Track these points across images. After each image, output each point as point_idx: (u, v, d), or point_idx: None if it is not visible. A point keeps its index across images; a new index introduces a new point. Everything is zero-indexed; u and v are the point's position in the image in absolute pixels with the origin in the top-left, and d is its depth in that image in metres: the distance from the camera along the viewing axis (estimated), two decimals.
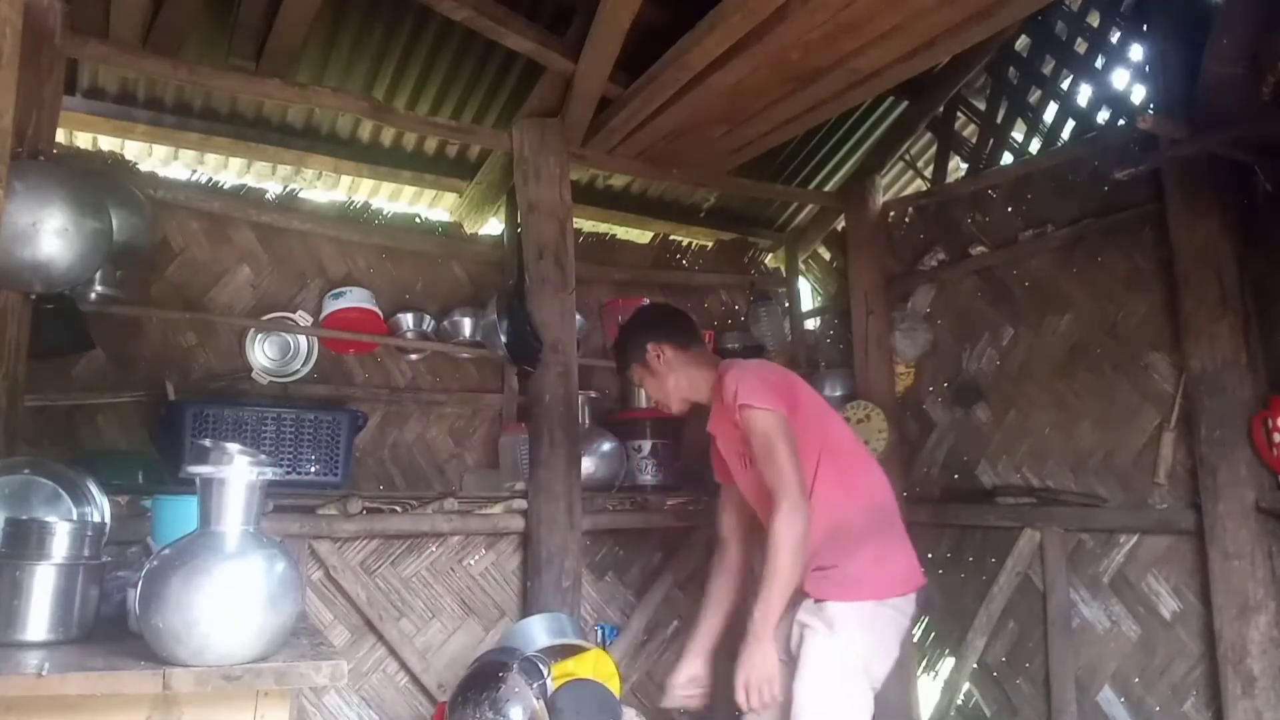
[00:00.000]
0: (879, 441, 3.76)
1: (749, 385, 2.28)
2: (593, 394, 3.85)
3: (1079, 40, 3.62)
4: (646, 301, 3.43)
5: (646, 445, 3.82)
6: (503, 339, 3.34)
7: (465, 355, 3.71)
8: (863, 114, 4.20)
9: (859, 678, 2.18)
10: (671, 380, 2.54)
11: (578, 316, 3.56)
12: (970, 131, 4.08)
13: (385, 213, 3.82)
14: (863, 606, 2.19)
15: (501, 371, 3.75)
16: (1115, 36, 3.49)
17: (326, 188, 4.02)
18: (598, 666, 2.55)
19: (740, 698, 2.16)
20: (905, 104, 4.12)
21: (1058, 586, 3.36)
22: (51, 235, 2.29)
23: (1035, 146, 3.78)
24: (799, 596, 2.23)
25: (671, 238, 4.46)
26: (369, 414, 3.42)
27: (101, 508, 2.10)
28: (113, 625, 1.71)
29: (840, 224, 4.40)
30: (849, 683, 2.17)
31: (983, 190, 3.85)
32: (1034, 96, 3.79)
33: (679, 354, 2.53)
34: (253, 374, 3.33)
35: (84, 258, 2.38)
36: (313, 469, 3.11)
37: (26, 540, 1.63)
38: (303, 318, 3.43)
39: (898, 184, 4.71)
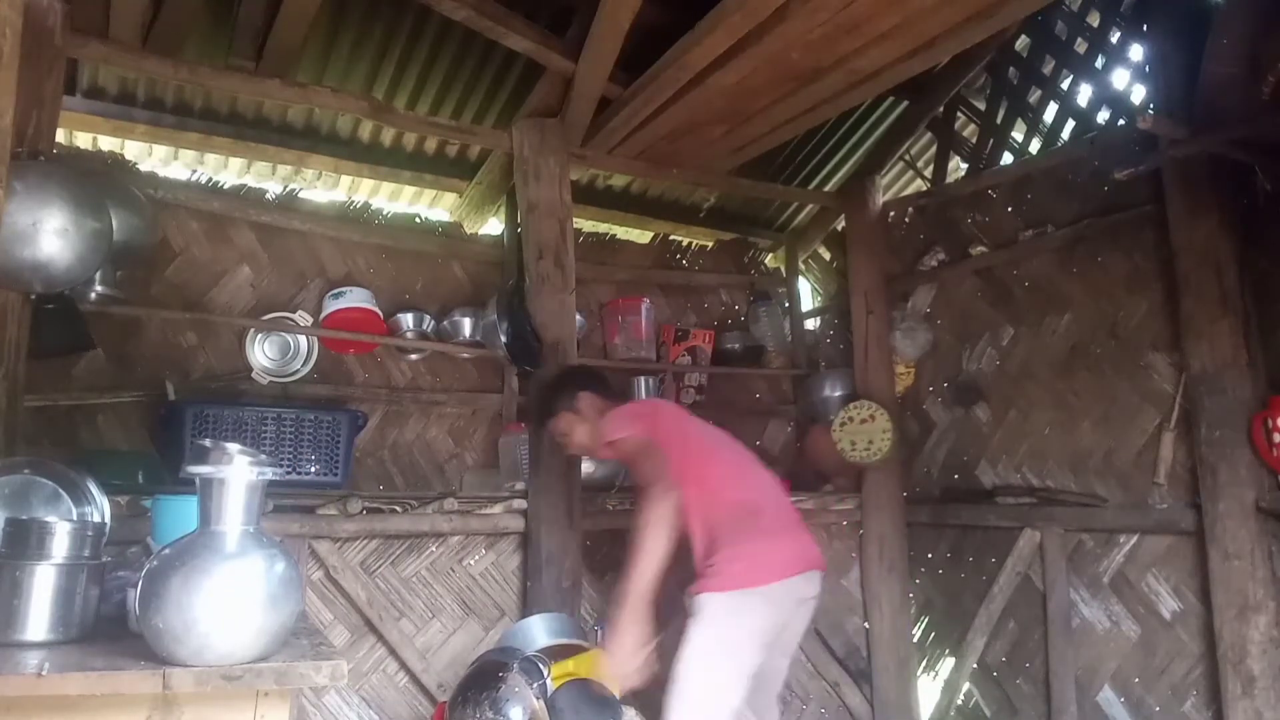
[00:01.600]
0: (883, 441, 3.75)
1: (611, 425, 2.64)
2: None
3: (1079, 40, 3.62)
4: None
5: None
6: (503, 339, 3.34)
7: (465, 355, 3.71)
8: (863, 114, 4.20)
9: (724, 661, 2.36)
10: (592, 433, 2.76)
11: (578, 316, 3.56)
12: (970, 131, 4.08)
13: (385, 213, 3.82)
14: (728, 596, 2.39)
15: (501, 371, 3.75)
16: (1115, 36, 3.49)
17: (326, 188, 4.03)
18: (597, 666, 2.55)
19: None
20: (905, 104, 4.12)
21: (1058, 586, 3.36)
22: (51, 235, 2.29)
23: (1035, 146, 3.79)
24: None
25: (671, 238, 4.46)
26: (369, 414, 3.42)
27: (101, 508, 2.09)
28: (113, 625, 1.71)
29: (840, 224, 4.40)
30: (714, 666, 2.35)
31: (983, 190, 3.86)
32: (1034, 96, 3.79)
33: (604, 403, 2.79)
34: (253, 374, 3.33)
35: (84, 258, 2.38)
36: (313, 469, 3.11)
37: (26, 540, 1.63)
38: (303, 318, 3.43)
39: (898, 184, 4.71)
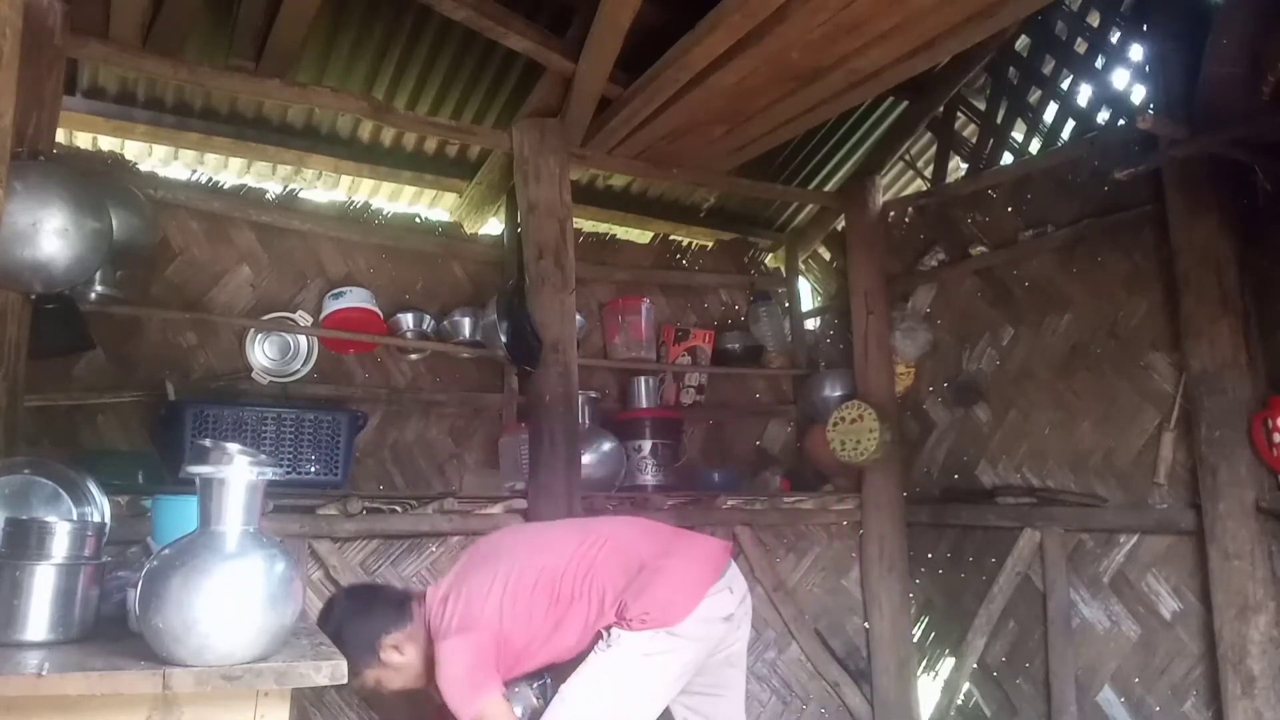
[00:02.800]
0: (870, 441, 3.73)
1: (456, 694, 2.12)
2: (593, 394, 3.84)
3: (1079, 40, 3.62)
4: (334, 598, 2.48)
5: (646, 445, 3.83)
6: (503, 339, 3.34)
7: (465, 355, 3.71)
8: (863, 114, 4.20)
9: (619, 691, 2.19)
10: (415, 662, 2.24)
11: (578, 316, 3.56)
12: (970, 131, 4.08)
13: (385, 213, 3.82)
14: (642, 635, 2.21)
15: (501, 371, 3.75)
16: (1115, 36, 3.49)
17: (326, 188, 4.02)
18: None
19: None
20: (905, 104, 4.12)
21: (1058, 586, 3.36)
22: (51, 235, 2.29)
23: (1035, 146, 3.79)
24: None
25: (671, 238, 4.46)
26: (369, 414, 3.42)
27: (101, 508, 2.10)
28: (113, 625, 1.71)
29: (840, 224, 4.40)
30: (607, 692, 2.19)
31: (983, 190, 3.86)
32: (1034, 96, 3.79)
33: (407, 628, 2.23)
34: (253, 374, 3.33)
35: (84, 258, 2.38)
36: (313, 469, 3.11)
37: (26, 540, 1.62)
38: (303, 318, 3.44)
39: (898, 184, 4.71)
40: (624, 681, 2.20)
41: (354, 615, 2.22)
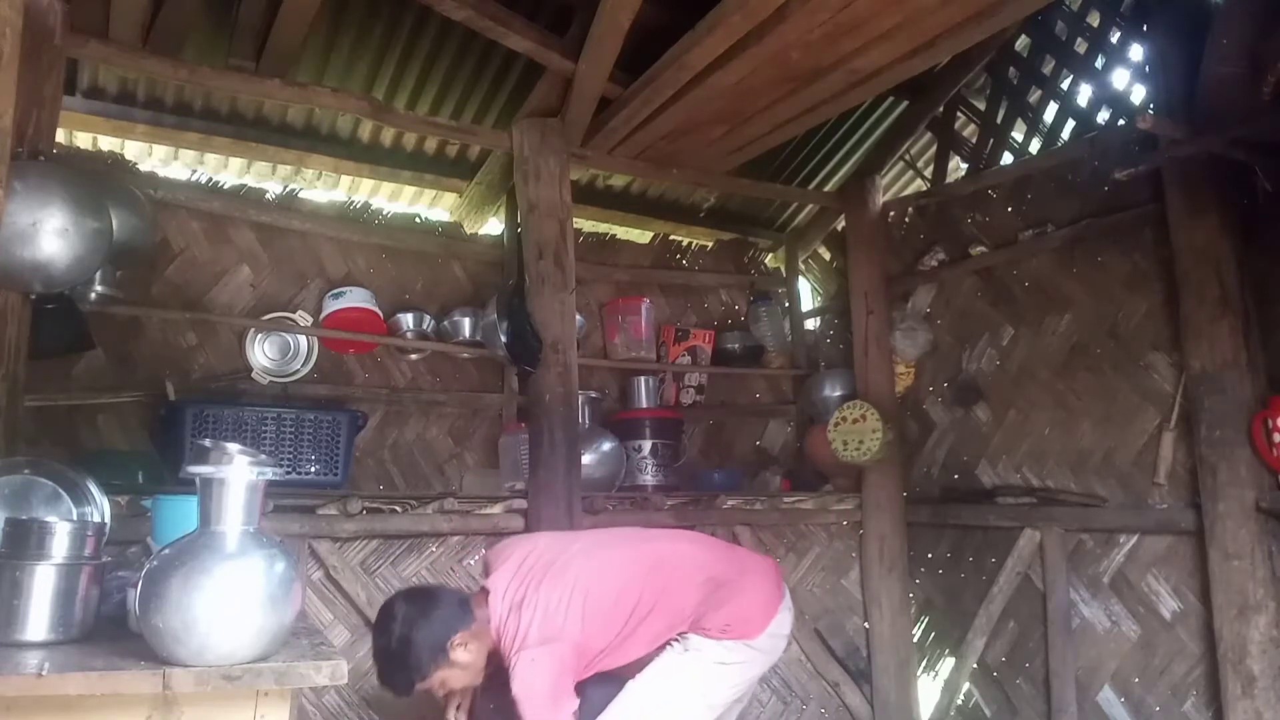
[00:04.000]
0: (873, 441, 3.74)
1: (535, 709, 2.10)
2: (593, 394, 3.85)
3: (1079, 40, 3.62)
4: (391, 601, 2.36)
5: (646, 445, 3.83)
6: (503, 339, 3.34)
7: (465, 355, 3.71)
8: (863, 114, 4.20)
9: (687, 692, 2.33)
10: (478, 662, 2.25)
11: (578, 316, 3.56)
12: (970, 131, 4.08)
13: (385, 213, 3.82)
14: (718, 643, 2.38)
15: (501, 371, 3.75)
16: (1115, 36, 3.49)
17: (326, 188, 4.02)
18: None
19: None
20: (905, 104, 4.12)
21: (1058, 586, 3.36)
22: (51, 235, 2.29)
23: (1035, 146, 3.78)
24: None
25: (671, 238, 4.46)
26: (369, 414, 3.42)
27: (101, 508, 2.10)
28: (113, 625, 1.72)
29: (840, 224, 4.40)
30: (676, 691, 2.32)
31: (983, 190, 3.85)
32: (1034, 96, 3.79)
33: (473, 628, 2.22)
34: (253, 374, 3.33)
35: (84, 258, 2.38)
36: (313, 469, 3.11)
37: (26, 540, 1.63)
38: (303, 318, 3.44)
39: (898, 184, 4.71)
40: (693, 684, 2.33)
41: (422, 617, 2.18)
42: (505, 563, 2.36)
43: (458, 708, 2.34)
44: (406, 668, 2.15)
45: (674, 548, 2.51)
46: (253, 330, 3.36)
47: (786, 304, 4.52)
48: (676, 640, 2.38)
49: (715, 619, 2.38)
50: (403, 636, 2.12)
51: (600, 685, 2.34)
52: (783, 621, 2.49)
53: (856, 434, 3.78)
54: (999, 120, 3.89)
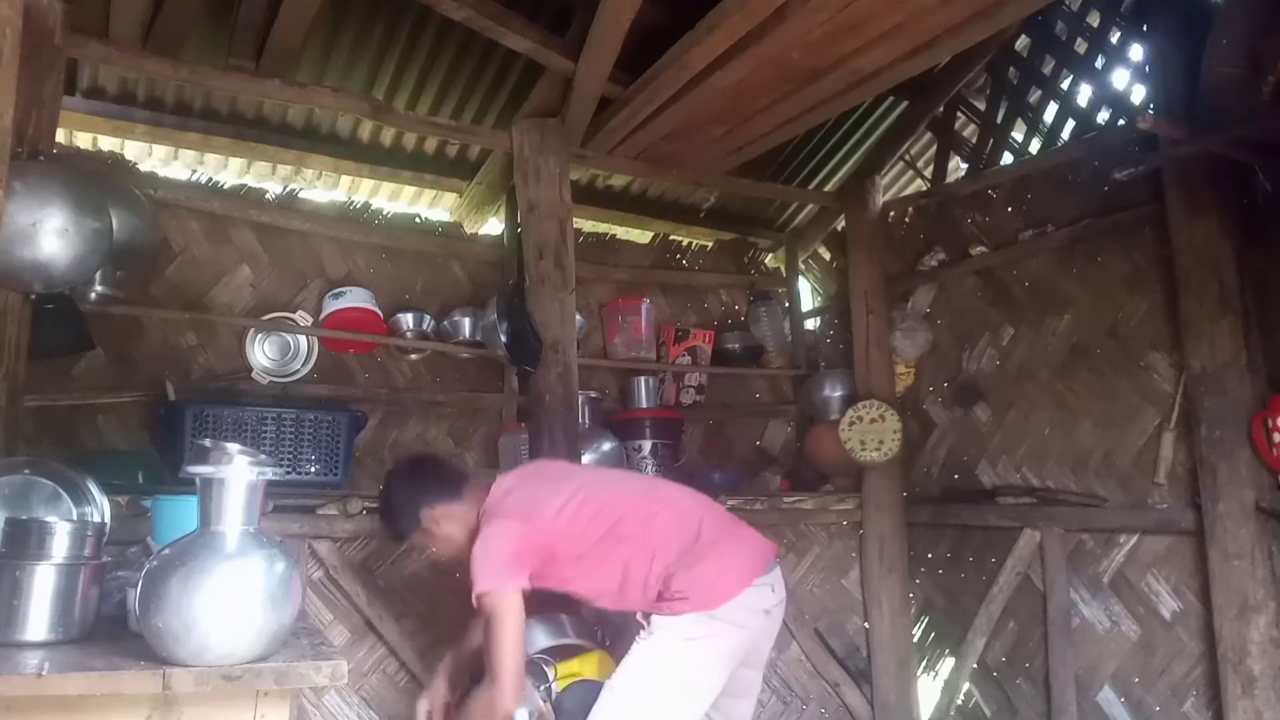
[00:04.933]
0: (894, 441, 3.74)
1: (482, 569, 2.19)
2: (593, 394, 3.85)
3: (1079, 40, 3.62)
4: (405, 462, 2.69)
5: (646, 445, 3.82)
6: (503, 339, 3.34)
7: (465, 355, 3.71)
8: (863, 114, 4.19)
9: (666, 680, 2.23)
10: (457, 534, 2.38)
11: (578, 316, 3.56)
12: (970, 131, 4.08)
13: (385, 213, 3.82)
14: (683, 619, 2.25)
15: (501, 371, 3.75)
16: (1115, 36, 3.49)
17: (326, 188, 4.02)
18: (602, 667, 2.55)
19: None
20: (905, 104, 4.12)
21: (1058, 586, 3.36)
22: (51, 235, 2.29)
23: (1035, 146, 3.78)
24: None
25: (671, 238, 4.46)
26: (369, 414, 3.42)
27: (101, 508, 2.10)
28: (113, 625, 1.71)
29: (840, 224, 4.40)
30: (653, 682, 2.24)
31: (983, 190, 3.85)
32: (1034, 96, 3.79)
33: (453, 505, 2.38)
34: (253, 374, 3.33)
35: (84, 258, 2.38)
36: (313, 469, 3.11)
37: (26, 540, 1.63)
38: (303, 318, 3.44)
39: (898, 184, 4.71)
40: (664, 668, 2.22)
41: (405, 484, 2.43)
42: (520, 469, 2.57)
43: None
44: (390, 523, 2.46)
45: (674, 496, 2.49)
46: (253, 330, 3.35)
47: (786, 304, 4.52)
48: (643, 628, 2.30)
49: (677, 582, 2.26)
50: (385, 499, 2.46)
51: (575, 694, 2.36)
52: (758, 595, 2.31)
53: (876, 434, 3.78)
54: (999, 120, 3.89)
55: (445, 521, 2.37)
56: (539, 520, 2.28)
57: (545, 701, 2.33)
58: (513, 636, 2.15)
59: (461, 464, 2.63)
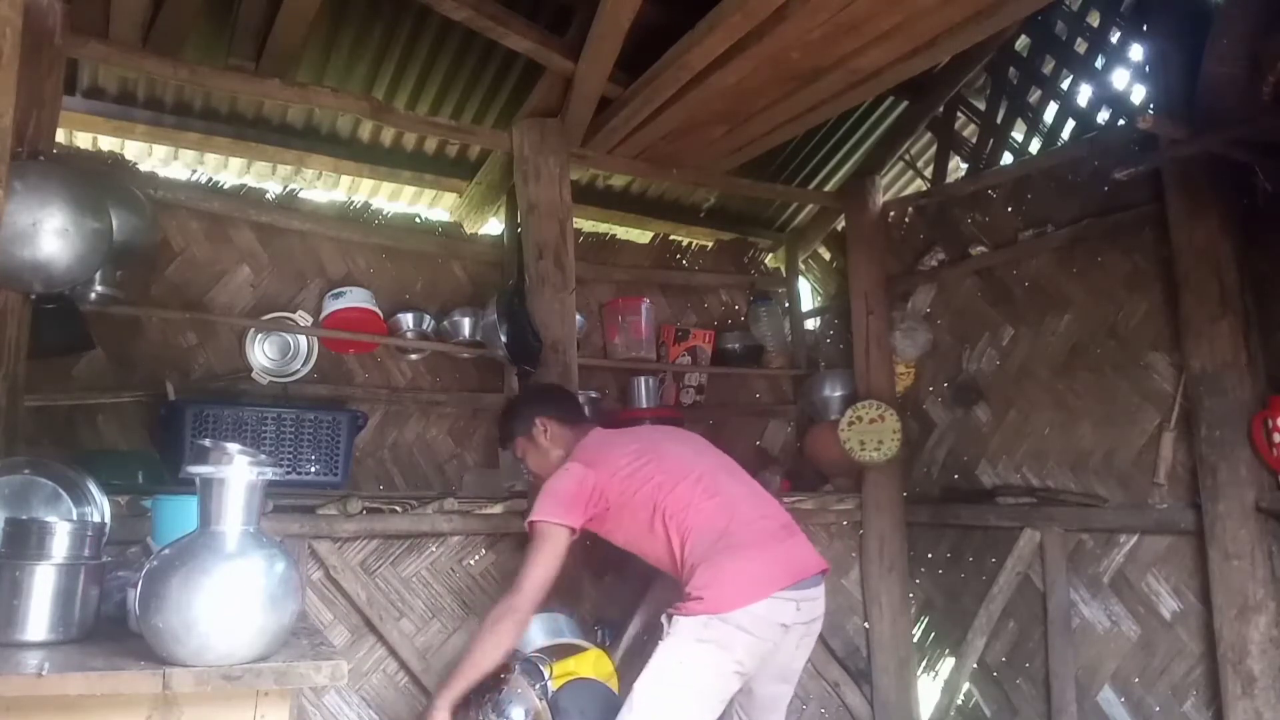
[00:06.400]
0: (894, 441, 3.75)
1: (542, 500, 2.46)
2: (593, 394, 3.84)
3: (1079, 40, 3.62)
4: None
5: None
6: (503, 339, 3.34)
7: (465, 355, 3.71)
8: (863, 114, 4.20)
9: (680, 684, 2.24)
10: (554, 455, 2.65)
11: (578, 316, 3.55)
12: (970, 131, 4.08)
13: (385, 213, 3.81)
14: (695, 620, 2.26)
15: (501, 371, 3.75)
16: (1115, 36, 3.49)
17: (326, 188, 4.02)
18: (598, 666, 2.55)
19: None
20: (905, 104, 4.12)
21: (1058, 586, 3.36)
22: (51, 235, 2.29)
23: (1035, 146, 3.79)
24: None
25: (671, 238, 4.46)
26: (369, 414, 3.42)
27: (101, 508, 2.10)
28: (113, 625, 1.71)
29: (840, 224, 4.40)
30: (668, 687, 2.24)
31: (983, 190, 3.86)
32: (1034, 96, 3.79)
33: (563, 429, 2.69)
34: (253, 374, 3.32)
35: (84, 258, 2.38)
36: (313, 469, 3.11)
37: (26, 540, 1.63)
38: (303, 318, 3.43)
39: (898, 184, 4.71)
40: (677, 668, 2.24)
41: (533, 392, 2.94)
42: (626, 429, 2.79)
43: None
44: (506, 421, 2.81)
45: (726, 484, 2.50)
46: (253, 330, 3.35)
47: (786, 304, 4.52)
48: (664, 625, 2.32)
49: (696, 579, 2.28)
50: (512, 400, 3.02)
51: (571, 692, 2.42)
52: (776, 608, 2.28)
53: (875, 434, 3.78)
54: (999, 120, 3.89)
55: (550, 438, 2.66)
56: (601, 471, 2.47)
57: (541, 700, 2.33)
58: (544, 564, 2.38)
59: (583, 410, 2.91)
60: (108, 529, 1.94)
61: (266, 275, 3.47)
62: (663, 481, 2.44)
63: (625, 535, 2.51)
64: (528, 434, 2.70)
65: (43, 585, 1.59)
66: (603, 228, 4.36)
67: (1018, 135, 3.86)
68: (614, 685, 2.54)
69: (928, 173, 4.34)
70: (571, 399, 2.87)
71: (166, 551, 1.48)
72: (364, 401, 3.50)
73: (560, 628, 2.76)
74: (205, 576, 1.42)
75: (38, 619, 1.57)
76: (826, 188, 4.49)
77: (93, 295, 2.85)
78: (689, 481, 2.45)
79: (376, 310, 3.51)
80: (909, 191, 4.62)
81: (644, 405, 3.97)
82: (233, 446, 1.51)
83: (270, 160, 3.70)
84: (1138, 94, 3.43)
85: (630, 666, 2.51)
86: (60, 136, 2.97)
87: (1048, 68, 3.72)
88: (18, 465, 2.06)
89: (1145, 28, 3.31)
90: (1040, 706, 3.41)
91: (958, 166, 4.17)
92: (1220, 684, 2.87)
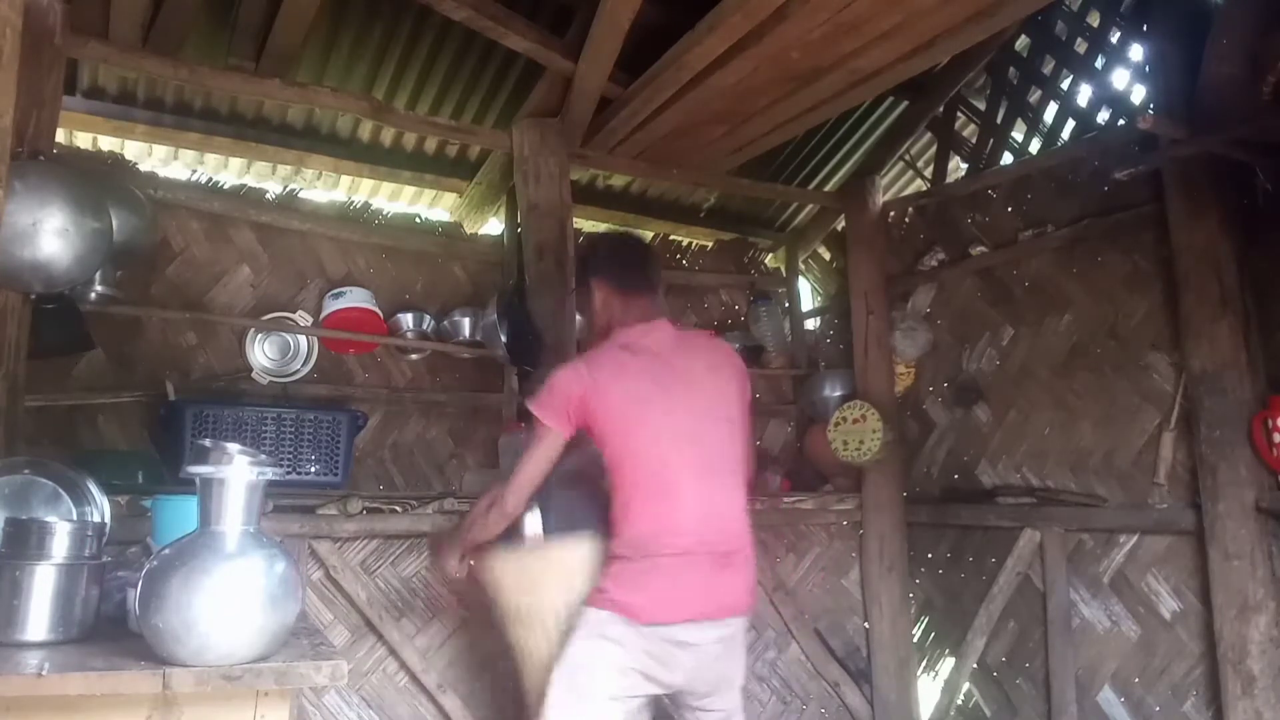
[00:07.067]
0: (873, 441, 3.74)
1: (541, 393, 2.28)
2: None
3: (1079, 40, 3.62)
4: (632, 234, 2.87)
5: None
6: (503, 339, 3.34)
7: (465, 355, 3.71)
8: (863, 114, 4.19)
9: (574, 680, 2.13)
10: (597, 324, 2.45)
11: (578, 316, 3.55)
12: (970, 131, 4.08)
13: (385, 213, 3.81)
14: (597, 614, 2.16)
15: (501, 371, 3.75)
16: (1115, 36, 3.49)
17: (326, 188, 4.02)
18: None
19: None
20: (905, 104, 4.12)
21: (1058, 586, 3.36)
22: (51, 235, 2.29)
23: (1035, 146, 3.79)
24: None
25: (671, 238, 4.46)
26: (369, 414, 3.42)
27: (101, 508, 2.10)
28: (113, 625, 1.71)
29: (840, 224, 4.40)
30: (564, 681, 2.14)
31: (983, 190, 3.85)
32: (1034, 96, 3.79)
33: (615, 300, 2.39)
34: (253, 374, 3.33)
35: (84, 258, 2.38)
36: (313, 469, 3.11)
37: (26, 540, 1.63)
38: (303, 318, 3.43)
39: (898, 184, 4.71)
40: (573, 662, 2.14)
41: (606, 252, 2.53)
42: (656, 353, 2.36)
43: None
44: (579, 266, 2.68)
45: (686, 482, 2.20)
46: (253, 330, 3.35)
47: (786, 304, 4.52)
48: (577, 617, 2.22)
49: (610, 570, 2.16)
50: (584, 250, 2.80)
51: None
52: (692, 632, 2.13)
53: (857, 434, 3.78)
54: (999, 120, 3.89)
55: (601, 302, 2.42)
56: (592, 394, 2.22)
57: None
58: (535, 463, 2.29)
59: (653, 298, 2.47)
60: (108, 529, 1.94)
61: (266, 275, 3.47)
62: (633, 449, 2.22)
63: (601, 463, 2.30)
64: (586, 287, 2.46)
65: (43, 585, 1.59)
66: (603, 228, 4.36)
67: (1018, 135, 3.86)
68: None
69: (928, 173, 4.33)
70: (638, 264, 2.47)
71: (166, 551, 1.48)
72: (364, 401, 3.50)
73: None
74: (205, 576, 1.42)
75: (38, 619, 1.57)
76: (826, 188, 4.49)
77: (93, 295, 2.85)
78: (654, 466, 2.20)
79: (376, 310, 3.51)
80: (909, 191, 4.62)
81: None
82: (233, 446, 1.51)
83: (270, 160, 3.70)
84: (1138, 94, 3.43)
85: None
86: (60, 136, 2.97)
87: (1048, 68, 3.72)
88: (18, 465, 2.05)
89: (1145, 28, 3.31)
90: (1040, 706, 3.41)
91: (958, 166, 4.17)
92: (1220, 684, 2.86)
